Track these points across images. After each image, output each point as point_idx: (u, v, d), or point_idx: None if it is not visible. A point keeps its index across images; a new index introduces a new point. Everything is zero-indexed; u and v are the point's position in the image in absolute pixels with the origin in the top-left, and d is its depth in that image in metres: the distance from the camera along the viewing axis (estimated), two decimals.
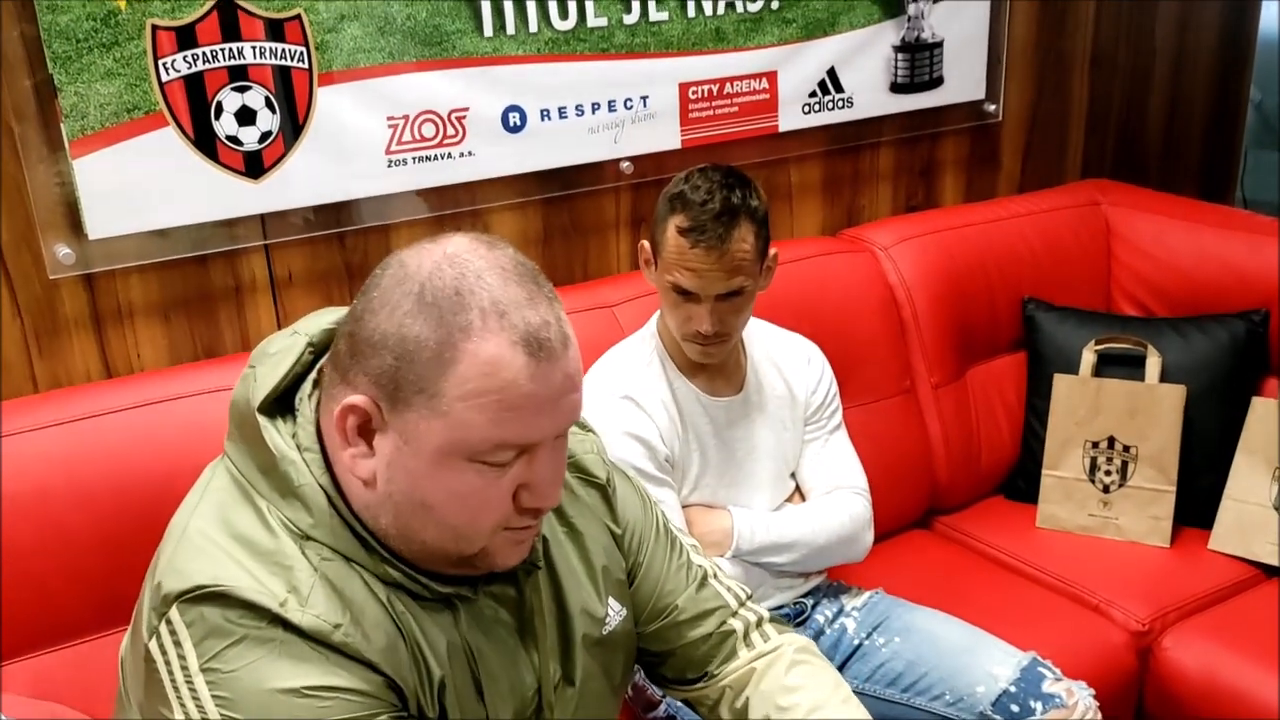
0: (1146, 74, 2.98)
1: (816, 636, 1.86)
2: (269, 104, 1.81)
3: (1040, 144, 2.84)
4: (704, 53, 2.20)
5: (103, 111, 1.69)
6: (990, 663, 1.74)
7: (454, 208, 2.04)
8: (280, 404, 1.06)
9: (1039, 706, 1.67)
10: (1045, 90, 2.79)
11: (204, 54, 1.74)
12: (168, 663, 0.97)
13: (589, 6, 2.04)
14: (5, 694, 1.48)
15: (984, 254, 2.45)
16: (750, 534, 1.80)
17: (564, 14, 2.03)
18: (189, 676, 0.96)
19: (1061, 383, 2.34)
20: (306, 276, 1.96)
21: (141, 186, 1.74)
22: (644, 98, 2.16)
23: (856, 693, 1.44)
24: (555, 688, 1.17)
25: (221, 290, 1.89)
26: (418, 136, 1.95)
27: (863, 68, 2.41)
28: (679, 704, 1.68)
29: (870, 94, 2.44)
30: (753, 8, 2.23)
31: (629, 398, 1.76)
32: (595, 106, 2.11)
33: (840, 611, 1.90)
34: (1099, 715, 1.70)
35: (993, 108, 2.67)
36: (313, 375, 1.08)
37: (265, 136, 1.82)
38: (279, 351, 1.08)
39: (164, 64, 1.71)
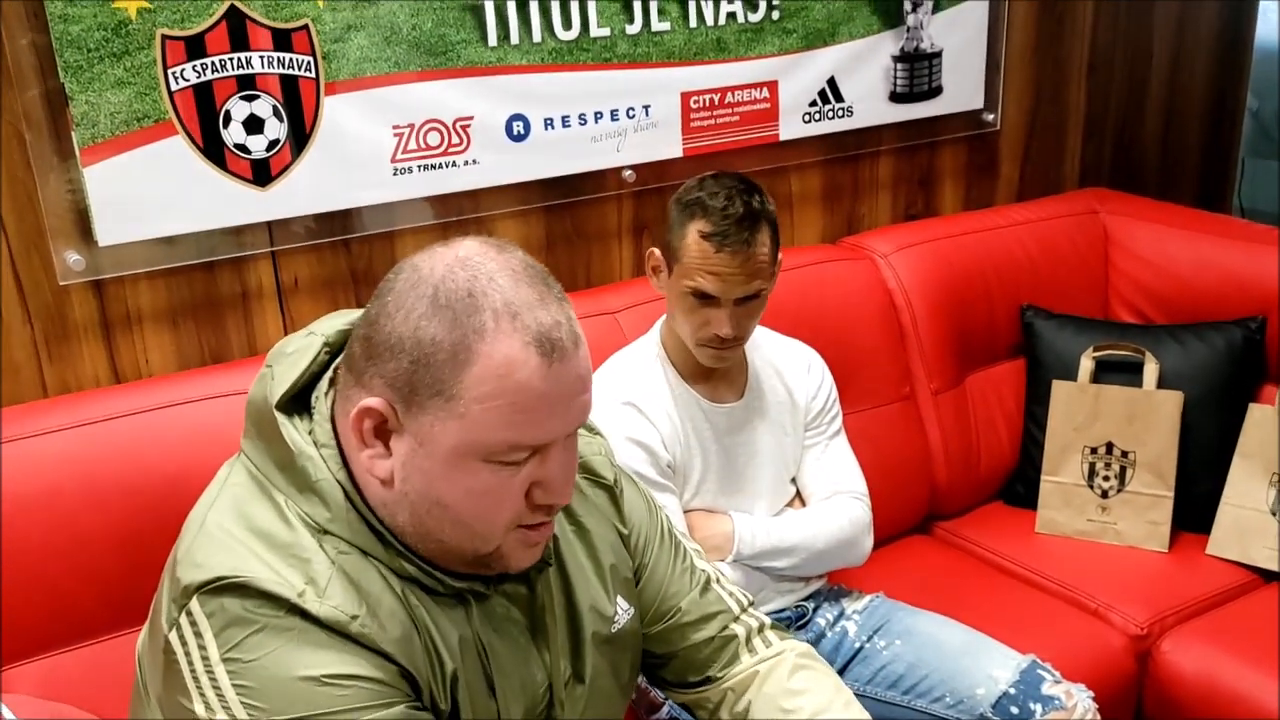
0: (1143, 83, 3.00)
1: (818, 639, 1.87)
2: (276, 113, 1.83)
3: (1038, 153, 2.86)
4: (705, 62, 2.22)
5: (113, 120, 1.71)
6: (990, 665, 1.75)
7: (458, 215, 2.06)
8: (296, 402, 1.08)
9: (1038, 709, 1.68)
10: (1043, 99, 2.81)
11: (213, 63, 1.76)
12: (188, 653, 0.98)
13: (592, 17, 2.07)
14: (13, 694, 1.49)
15: (983, 262, 2.47)
16: (751, 539, 1.82)
17: (567, 24, 2.05)
18: (209, 667, 0.97)
19: (1060, 389, 2.36)
20: (312, 283, 1.98)
21: (151, 194, 1.76)
22: (646, 107, 2.18)
23: (858, 695, 1.46)
24: (566, 685, 1.18)
25: (229, 297, 1.91)
26: (423, 145, 1.97)
27: (862, 77, 2.43)
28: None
29: (870, 103, 2.47)
30: (754, 18, 2.25)
31: (631, 404, 1.78)
32: (598, 115, 2.13)
33: (841, 615, 1.92)
34: (1098, 717, 1.71)
35: (991, 117, 2.69)
36: (329, 374, 1.10)
37: (273, 145, 1.84)
38: (296, 351, 1.10)
39: (173, 73, 1.73)
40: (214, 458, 1.15)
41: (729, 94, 2.27)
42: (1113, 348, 2.37)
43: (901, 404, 2.34)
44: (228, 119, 1.79)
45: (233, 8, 1.75)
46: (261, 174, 1.84)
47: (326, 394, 1.08)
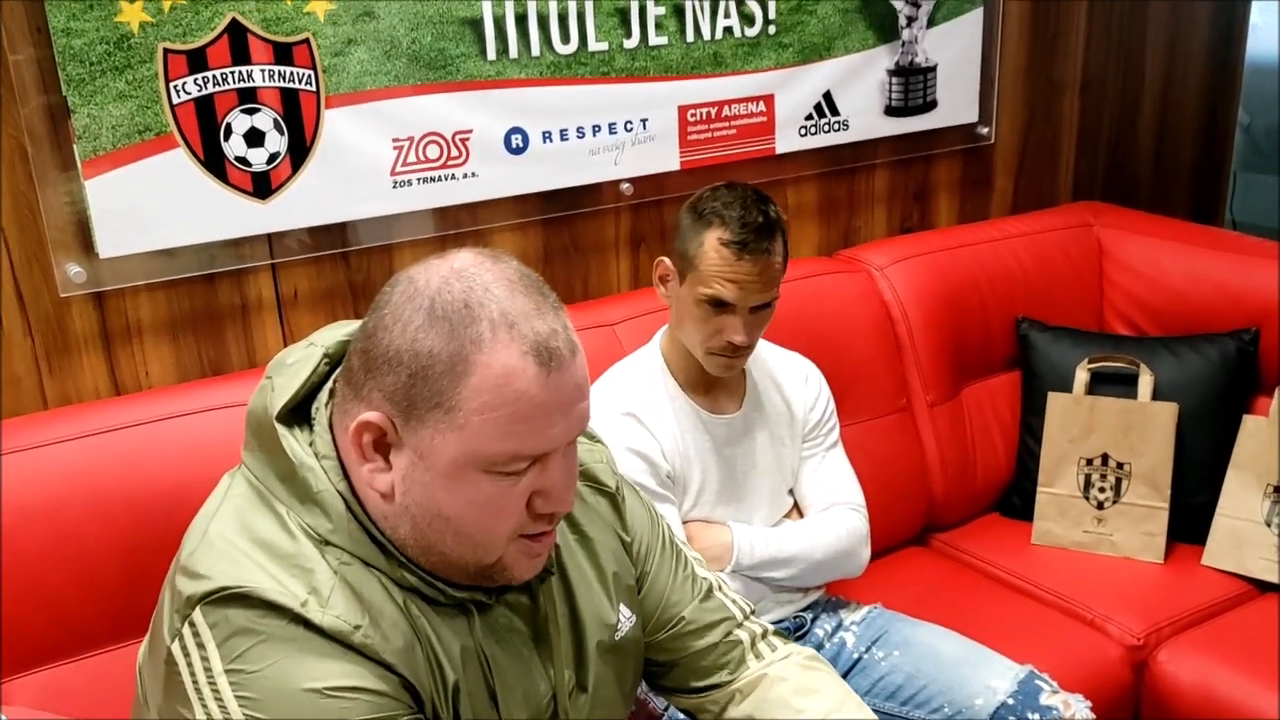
0: (1136, 97, 3.02)
1: (816, 650, 1.87)
2: (277, 126, 1.84)
3: (1032, 166, 2.87)
4: (702, 76, 2.24)
5: (115, 133, 1.72)
6: (989, 675, 1.76)
7: (457, 228, 2.07)
8: (296, 413, 1.08)
9: (1036, 718, 1.69)
10: (1037, 113, 2.83)
11: (214, 77, 1.77)
12: (190, 664, 0.98)
13: (590, 31, 2.08)
14: (13, 706, 1.49)
15: (978, 274, 2.49)
16: (750, 549, 1.82)
17: (565, 38, 2.06)
18: (212, 677, 0.97)
19: (1055, 401, 2.37)
20: (312, 295, 1.99)
21: (151, 206, 1.77)
22: (644, 120, 2.20)
23: None
24: (570, 694, 1.18)
25: (228, 309, 1.92)
26: (422, 158, 1.98)
27: (858, 91, 2.45)
28: (680, 716, 1.69)
29: (865, 117, 2.48)
30: (750, 32, 2.26)
31: (632, 414, 1.79)
32: (596, 129, 2.15)
33: (839, 626, 1.92)
34: None
35: (985, 130, 2.71)
36: (329, 385, 1.09)
37: (273, 158, 1.85)
38: (296, 362, 1.10)
39: (175, 86, 1.74)
40: (214, 469, 1.15)
41: (726, 107, 2.29)
42: (1107, 360, 2.38)
43: (898, 416, 2.35)
44: (229, 132, 1.80)
45: (234, 21, 1.76)
46: (262, 187, 1.85)
47: (326, 405, 1.08)
